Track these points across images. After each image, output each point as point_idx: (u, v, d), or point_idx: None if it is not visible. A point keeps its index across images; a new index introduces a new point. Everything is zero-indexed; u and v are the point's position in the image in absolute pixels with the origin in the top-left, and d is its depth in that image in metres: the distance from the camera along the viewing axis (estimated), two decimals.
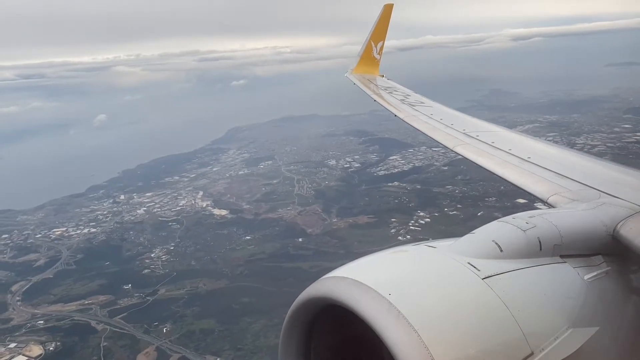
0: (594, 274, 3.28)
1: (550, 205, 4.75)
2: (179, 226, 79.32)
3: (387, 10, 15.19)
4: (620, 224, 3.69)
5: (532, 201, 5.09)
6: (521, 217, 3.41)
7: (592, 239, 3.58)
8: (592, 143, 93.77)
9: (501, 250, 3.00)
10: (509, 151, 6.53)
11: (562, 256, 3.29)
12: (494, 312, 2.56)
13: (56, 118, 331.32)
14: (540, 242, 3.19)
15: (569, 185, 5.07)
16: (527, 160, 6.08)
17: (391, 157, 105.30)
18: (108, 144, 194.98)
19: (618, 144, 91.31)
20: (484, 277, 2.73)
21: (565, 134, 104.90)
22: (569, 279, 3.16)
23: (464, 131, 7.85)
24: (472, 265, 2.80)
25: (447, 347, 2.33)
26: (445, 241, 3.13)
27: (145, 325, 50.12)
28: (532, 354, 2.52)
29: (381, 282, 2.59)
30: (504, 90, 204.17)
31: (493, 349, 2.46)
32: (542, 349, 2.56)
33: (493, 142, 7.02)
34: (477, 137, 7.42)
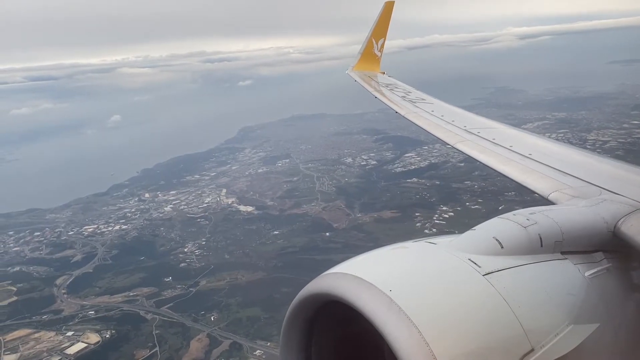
0: (595, 270, 3.30)
1: (551, 202, 4.80)
2: (207, 222, 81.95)
3: (388, 7, 15.27)
4: (621, 220, 3.73)
5: None
6: (522, 214, 3.45)
7: (593, 235, 3.61)
8: (603, 139, 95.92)
9: (502, 247, 3.03)
10: (510, 148, 6.59)
11: (563, 253, 3.31)
12: (495, 309, 2.58)
13: (67, 119, 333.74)
14: (541, 238, 3.21)
15: (570, 182, 5.10)
16: (528, 157, 6.14)
17: (406, 155, 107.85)
18: (122, 144, 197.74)
19: (629, 140, 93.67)
20: (484, 273, 2.75)
21: (576, 131, 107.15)
22: (569, 276, 3.18)
23: (464, 128, 7.88)
24: (472, 261, 2.82)
25: (447, 343, 2.36)
26: (445, 237, 3.17)
27: (193, 314, 52.86)
28: (532, 350, 2.54)
29: (382, 278, 2.61)
30: (510, 88, 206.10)
31: (494, 345, 2.48)
32: (543, 345, 2.58)
33: (494, 139, 7.05)
34: (478, 134, 7.44)
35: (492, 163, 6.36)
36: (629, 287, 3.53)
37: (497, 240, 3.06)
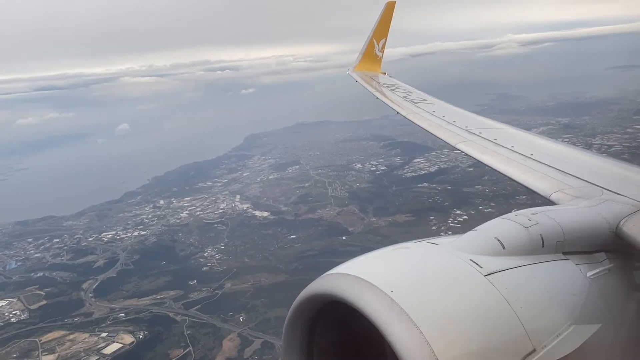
0: (597, 271, 3.30)
1: (552, 202, 4.79)
2: (224, 227, 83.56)
3: (390, 7, 15.08)
4: (623, 221, 3.73)
5: None
6: (523, 214, 3.46)
7: (594, 235, 3.62)
8: (608, 143, 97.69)
9: (503, 247, 3.04)
10: (512, 148, 6.58)
11: (564, 253, 3.32)
12: (496, 309, 2.61)
13: (73, 128, 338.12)
14: (542, 238, 3.23)
15: (571, 182, 5.09)
16: (529, 157, 6.13)
17: (415, 160, 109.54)
18: (131, 153, 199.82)
19: (634, 144, 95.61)
20: (486, 274, 2.77)
21: (581, 135, 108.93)
22: (571, 276, 3.19)
23: (466, 128, 7.86)
24: (474, 262, 2.84)
25: (449, 344, 2.38)
26: (447, 238, 3.19)
27: (222, 315, 54.45)
28: (534, 350, 2.56)
29: (383, 278, 2.63)
30: (512, 94, 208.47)
31: (495, 345, 2.50)
32: (545, 346, 2.60)
33: (495, 139, 7.05)
34: (479, 134, 7.43)
35: (493, 163, 6.39)
36: (631, 288, 3.53)
37: (498, 240, 3.09)
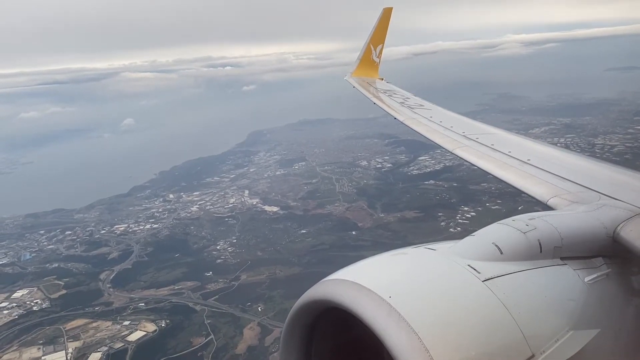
0: (595, 276, 3.33)
1: (550, 207, 4.79)
2: (235, 221, 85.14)
3: (386, 13, 15.25)
4: (621, 226, 3.75)
5: None
6: (521, 219, 3.48)
7: (592, 241, 3.65)
8: (610, 144, 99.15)
9: (501, 253, 3.06)
10: (509, 153, 6.63)
11: (562, 258, 3.34)
12: (495, 315, 2.61)
13: (76, 122, 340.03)
14: (540, 244, 3.25)
15: (568, 187, 5.10)
16: (526, 163, 6.15)
17: (420, 158, 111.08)
18: (135, 148, 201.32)
19: (636, 144, 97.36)
20: (484, 279, 2.78)
21: (583, 136, 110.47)
22: (569, 281, 3.21)
23: (463, 133, 7.91)
24: (472, 267, 2.86)
25: (447, 350, 2.37)
26: (445, 243, 3.19)
27: (240, 305, 56.00)
28: (532, 356, 2.56)
29: (381, 284, 2.64)
30: (512, 95, 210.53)
31: (493, 351, 2.49)
32: (543, 352, 2.61)
33: (492, 145, 7.10)
34: (476, 140, 7.46)
35: (490, 169, 6.46)
36: (629, 292, 3.55)
37: (496, 245, 3.10)
